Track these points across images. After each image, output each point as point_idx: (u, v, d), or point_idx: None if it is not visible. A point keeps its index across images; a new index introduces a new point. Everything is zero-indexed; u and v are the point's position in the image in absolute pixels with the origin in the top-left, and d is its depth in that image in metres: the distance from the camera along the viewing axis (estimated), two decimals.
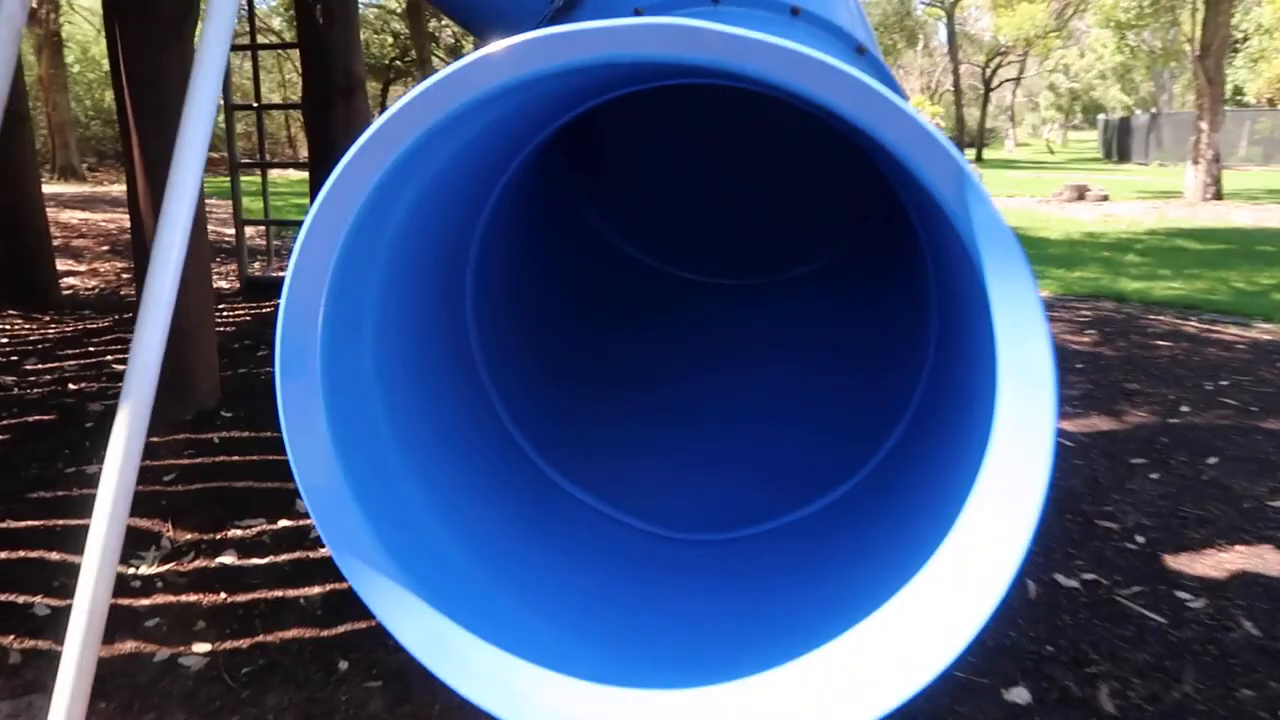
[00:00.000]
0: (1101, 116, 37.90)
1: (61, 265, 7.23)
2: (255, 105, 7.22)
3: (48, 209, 6.08)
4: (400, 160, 1.21)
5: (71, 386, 4.21)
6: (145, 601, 2.41)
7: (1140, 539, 2.83)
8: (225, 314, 5.73)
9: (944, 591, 1.23)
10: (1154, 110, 33.66)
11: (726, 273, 2.32)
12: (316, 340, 1.23)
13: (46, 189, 6.78)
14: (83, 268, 7.48)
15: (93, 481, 3.13)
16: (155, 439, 3.44)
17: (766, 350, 2.13)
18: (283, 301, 1.22)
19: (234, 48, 6.91)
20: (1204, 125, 14.60)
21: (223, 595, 2.44)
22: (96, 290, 6.59)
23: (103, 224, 10.01)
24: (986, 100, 38.62)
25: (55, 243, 8.29)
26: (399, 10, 23.92)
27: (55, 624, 2.24)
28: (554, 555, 1.63)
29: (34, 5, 15.06)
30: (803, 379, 2.07)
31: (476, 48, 1.18)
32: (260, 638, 2.26)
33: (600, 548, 1.75)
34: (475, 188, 1.64)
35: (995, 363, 1.16)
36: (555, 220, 2.25)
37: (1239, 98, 30.85)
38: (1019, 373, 1.12)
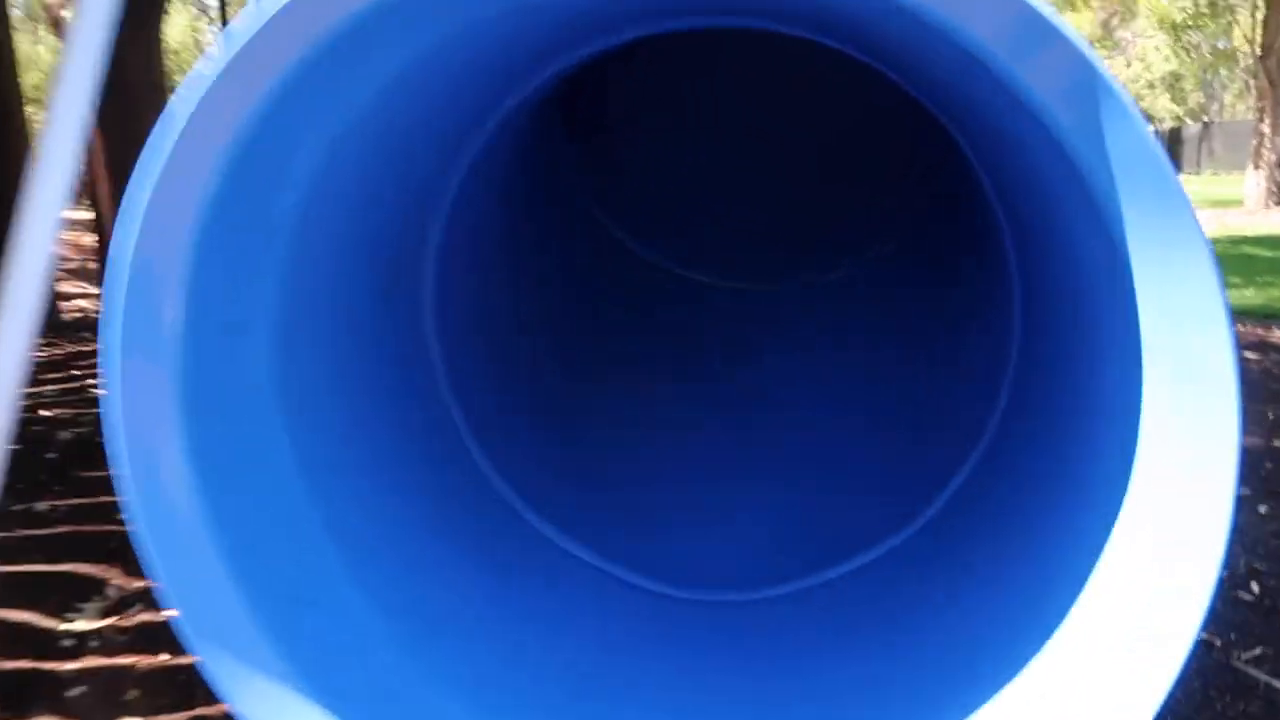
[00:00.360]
0: (1150, 127, 36.85)
1: (74, 288, 7.07)
2: None
3: (71, 233, 5.87)
4: (282, 94, 0.86)
5: (44, 413, 3.95)
6: (73, 665, 2.04)
7: (1256, 588, 2.35)
8: None
9: (1073, 681, 0.85)
10: (1205, 119, 32.75)
11: (748, 275, 1.93)
12: (166, 337, 0.87)
13: (75, 214, 6.61)
14: (96, 290, 7.31)
15: (42, 520, 2.86)
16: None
17: (800, 359, 1.73)
18: (106, 294, 0.88)
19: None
20: (1265, 129, 13.95)
21: (164, 657, 2.08)
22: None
23: None
24: None
25: (72, 265, 8.16)
26: None
27: None
28: (522, 633, 1.25)
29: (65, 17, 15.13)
30: (846, 395, 1.67)
31: None
32: (199, 710, 1.91)
33: (586, 616, 1.37)
34: (432, 145, 1.28)
35: (1127, 356, 0.78)
36: (554, 210, 1.88)
37: None
38: (1180, 372, 0.74)
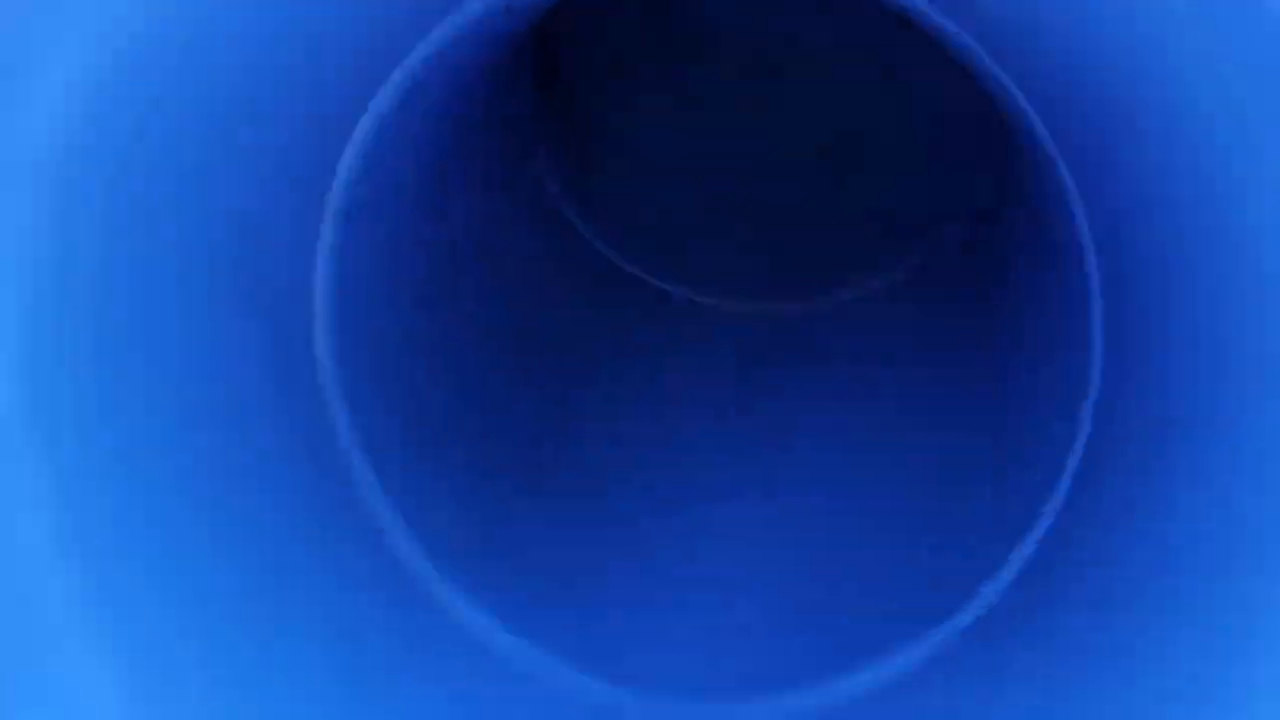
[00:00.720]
0: None
1: None
2: None
3: None
4: None
5: None
6: None
7: None
8: None
9: None
10: None
11: (749, 294, 1.54)
12: None
13: None
14: None
15: None
16: None
17: (821, 397, 1.35)
18: None
19: None
20: None
21: None
22: None
23: None
24: None
25: None
26: None
27: None
28: None
29: None
30: (876, 443, 1.30)
31: None
32: None
33: None
34: (322, 71, 0.92)
35: None
36: (511, 202, 1.49)
37: None
38: None
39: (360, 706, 0.91)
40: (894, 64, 1.41)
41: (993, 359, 1.19)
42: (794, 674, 1.09)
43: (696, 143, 1.52)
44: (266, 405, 0.93)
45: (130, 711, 0.67)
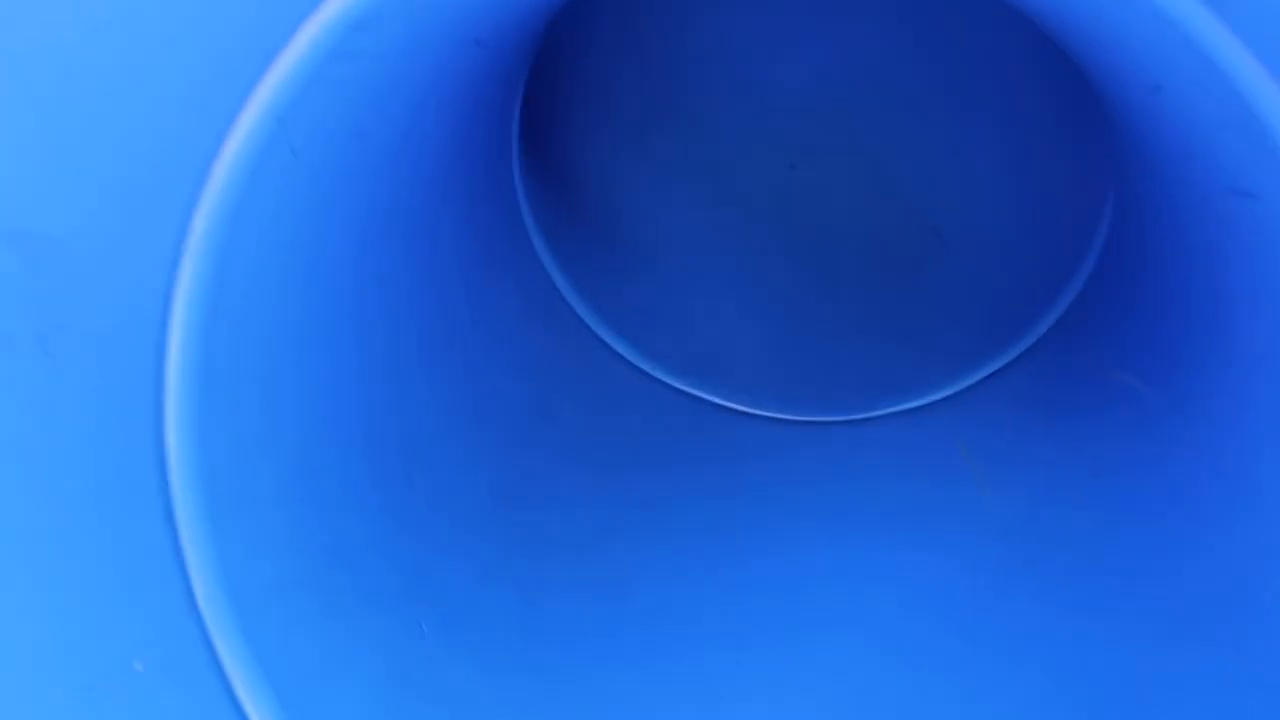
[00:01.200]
0: None
1: None
2: None
3: None
4: None
5: None
6: None
7: None
8: None
9: None
10: None
11: (798, 401, 1.22)
12: None
13: None
14: None
15: None
16: None
17: (871, 538, 0.98)
18: None
19: None
20: None
21: None
22: None
23: None
24: None
25: None
26: None
27: None
28: None
29: None
30: (949, 603, 0.96)
31: None
32: None
33: None
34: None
35: None
36: (487, 271, 1.20)
37: None
38: None
39: None
40: (971, 119, 1.13)
41: (1132, 476, 0.86)
42: None
43: (726, 227, 1.23)
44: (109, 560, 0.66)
45: None
